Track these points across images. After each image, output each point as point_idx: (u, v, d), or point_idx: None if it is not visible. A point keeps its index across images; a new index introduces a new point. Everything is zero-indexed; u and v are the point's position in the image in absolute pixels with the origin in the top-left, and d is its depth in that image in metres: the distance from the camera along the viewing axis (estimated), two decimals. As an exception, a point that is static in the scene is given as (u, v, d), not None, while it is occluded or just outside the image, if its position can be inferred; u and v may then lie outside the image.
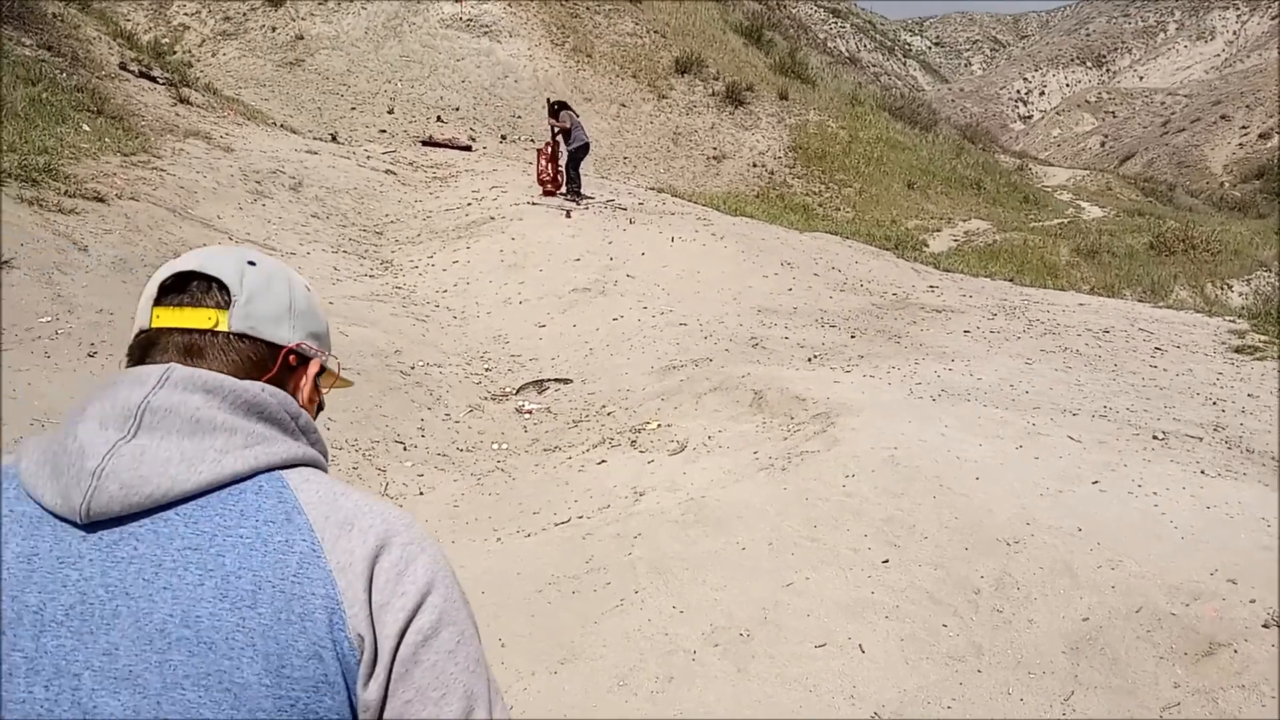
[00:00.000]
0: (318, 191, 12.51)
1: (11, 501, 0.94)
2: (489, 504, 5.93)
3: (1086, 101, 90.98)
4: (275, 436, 1.01)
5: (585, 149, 14.46)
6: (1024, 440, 5.65)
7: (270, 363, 1.06)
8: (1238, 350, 9.39)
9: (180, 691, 0.87)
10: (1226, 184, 59.71)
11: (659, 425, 6.73)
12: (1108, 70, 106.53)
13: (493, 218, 12.46)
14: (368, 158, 15.23)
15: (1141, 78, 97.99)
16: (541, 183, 14.51)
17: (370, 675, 0.93)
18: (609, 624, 4.28)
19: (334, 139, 17.22)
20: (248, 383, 1.01)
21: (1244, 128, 66.34)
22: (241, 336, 1.03)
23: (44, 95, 10.51)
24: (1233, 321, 11.19)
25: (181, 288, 1.04)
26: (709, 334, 9.24)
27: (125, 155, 10.63)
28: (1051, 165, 51.63)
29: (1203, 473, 5.32)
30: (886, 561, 4.43)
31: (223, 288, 1.03)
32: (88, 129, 10.59)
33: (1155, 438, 6.14)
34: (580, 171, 14.62)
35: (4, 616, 0.89)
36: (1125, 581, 4.00)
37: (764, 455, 5.93)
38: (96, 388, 0.99)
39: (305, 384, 1.13)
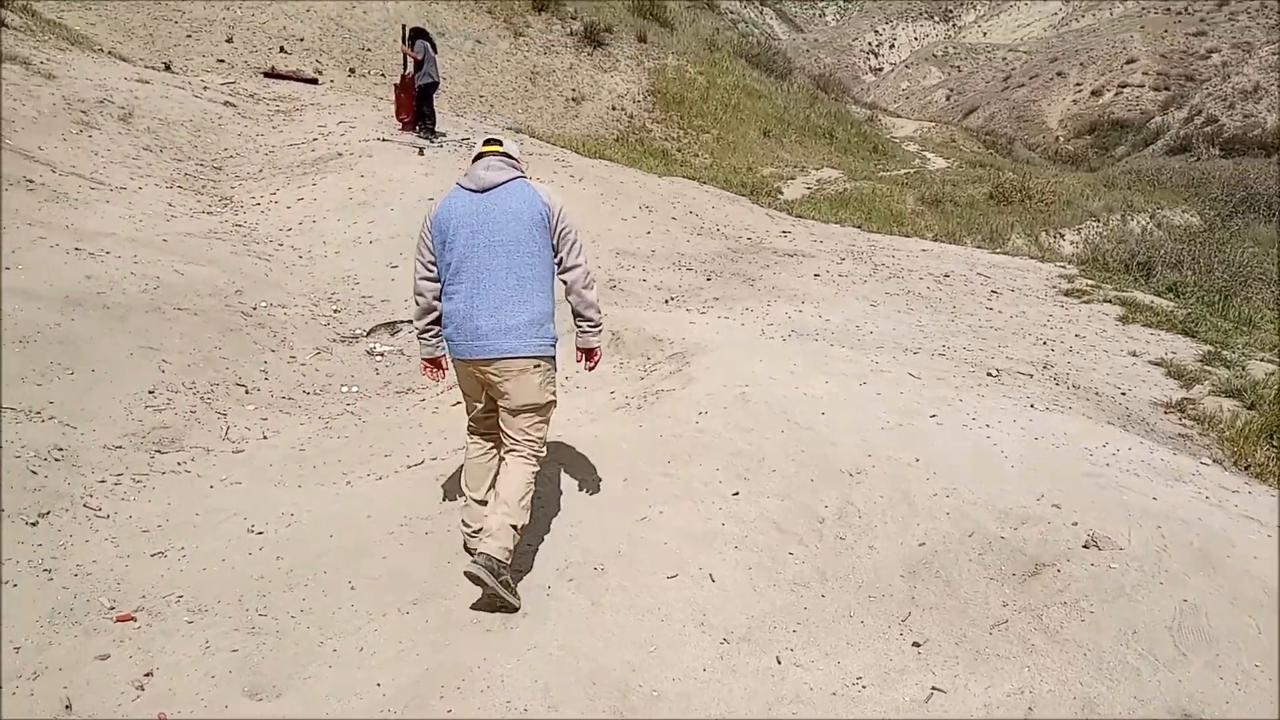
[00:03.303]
0: (150, 123, 11.74)
1: (463, 190, 3.93)
2: (338, 447, 5.76)
3: (934, 55, 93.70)
4: (519, 169, 3.99)
5: (434, 86, 13.96)
6: (867, 377, 5.84)
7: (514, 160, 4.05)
8: (1067, 294, 9.95)
9: (511, 227, 3.82)
10: (1061, 138, 62.74)
11: (514, 366, 6.64)
12: (954, 25, 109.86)
13: (340, 154, 11.97)
14: (205, 89, 14.37)
15: (985, 33, 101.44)
16: (399, 116, 13.99)
17: (552, 220, 3.91)
18: (462, 564, 4.23)
19: (168, 68, 16.17)
20: (510, 160, 3.99)
21: (1078, 85, 69.66)
22: (506, 153, 4.01)
23: None
24: (1063, 267, 11.83)
25: (490, 141, 4.05)
26: (566, 275, 9.16)
27: (-70, 79, 9.74)
28: (900, 117, 53.09)
29: (1032, 406, 5.62)
30: (736, 494, 4.53)
31: (500, 141, 4.06)
32: (-117, 47, 9.64)
33: (989, 374, 6.45)
34: (434, 108, 14.17)
35: (472, 217, 3.84)
36: (959, 508, 4.20)
37: (620, 395, 5.95)
38: (479, 161, 3.95)
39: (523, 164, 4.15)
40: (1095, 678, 3.22)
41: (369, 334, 7.65)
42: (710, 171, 19.69)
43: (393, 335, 7.66)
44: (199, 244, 8.40)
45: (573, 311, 4.05)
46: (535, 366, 3.85)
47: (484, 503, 4.08)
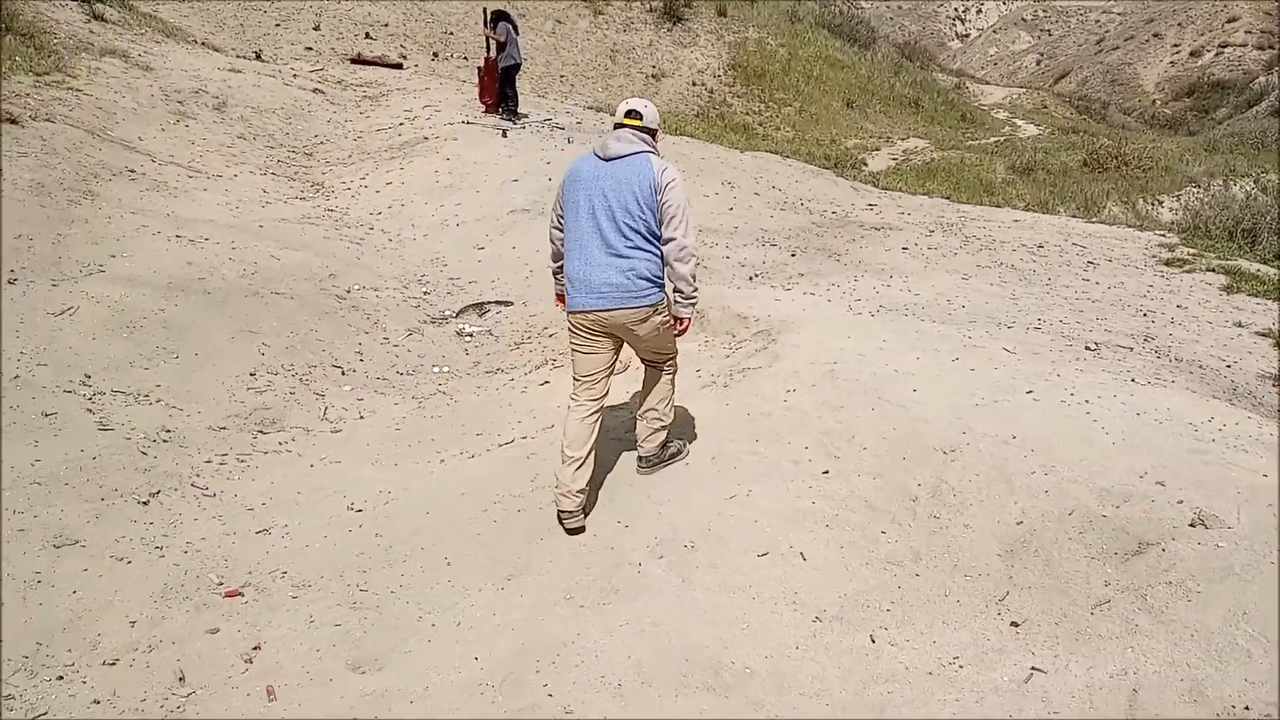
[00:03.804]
0: (243, 112, 12.07)
1: (593, 156, 4.34)
2: (431, 426, 5.88)
3: (1023, 19, 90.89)
4: (648, 145, 4.31)
5: (516, 68, 14.06)
6: (960, 353, 5.73)
7: (650, 133, 4.38)
8: (1167, 263, 9.59)
9: (621, 195, 4.17)
10: (1158, 102, 60.35)
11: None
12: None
13: (426, 137, 12.15)
14: (294, 76, 14.71)
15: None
16: (482, 99, 14.13)
17: (658, 193, 4.17)
18: (555, 540, 4.30)
19: (258, 57, 16.60)
20: (643, 134, 4.34)
21: (1175, 46, 66.88)
22: (643, 126, 4.35)
23: (-55, 10, 9.94)
24: (1163, 236, 11.40)
25: (630, 113, 4.35)
26: (650, 254, 9.16)
27: (38, 75, 10.15)
28: (988, 84, 51.66)
29: (1133, 381, 5.45)
30: (827, 472, 4.49)
31: (639, 114, 4.36)
32: (-5, 46, 10.06)
33: (1088, 348, 6.27)
34: (517, 90, 14.27)
35: (592, 182, 4.23)
36: (1058, 486, 4.10)
37: (706, 373, 5.95)
38: (615, 131, 4.34)
39: (658, 139, 4.47)
40: (1203, 659, 3.12)
41: (458, 315, 7.78)
42: (793, 145, 19.46)
43: (481, 316, 7.77)
44: (293, 229, 8.63)
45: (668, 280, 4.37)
46: (652, 313, 4.31)
47: (579, 461, 4.34)
